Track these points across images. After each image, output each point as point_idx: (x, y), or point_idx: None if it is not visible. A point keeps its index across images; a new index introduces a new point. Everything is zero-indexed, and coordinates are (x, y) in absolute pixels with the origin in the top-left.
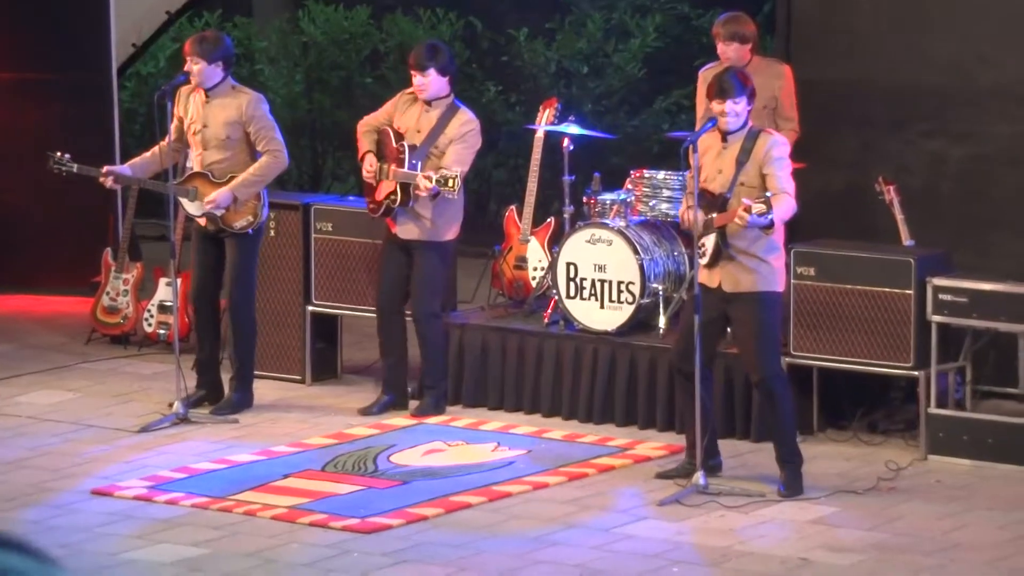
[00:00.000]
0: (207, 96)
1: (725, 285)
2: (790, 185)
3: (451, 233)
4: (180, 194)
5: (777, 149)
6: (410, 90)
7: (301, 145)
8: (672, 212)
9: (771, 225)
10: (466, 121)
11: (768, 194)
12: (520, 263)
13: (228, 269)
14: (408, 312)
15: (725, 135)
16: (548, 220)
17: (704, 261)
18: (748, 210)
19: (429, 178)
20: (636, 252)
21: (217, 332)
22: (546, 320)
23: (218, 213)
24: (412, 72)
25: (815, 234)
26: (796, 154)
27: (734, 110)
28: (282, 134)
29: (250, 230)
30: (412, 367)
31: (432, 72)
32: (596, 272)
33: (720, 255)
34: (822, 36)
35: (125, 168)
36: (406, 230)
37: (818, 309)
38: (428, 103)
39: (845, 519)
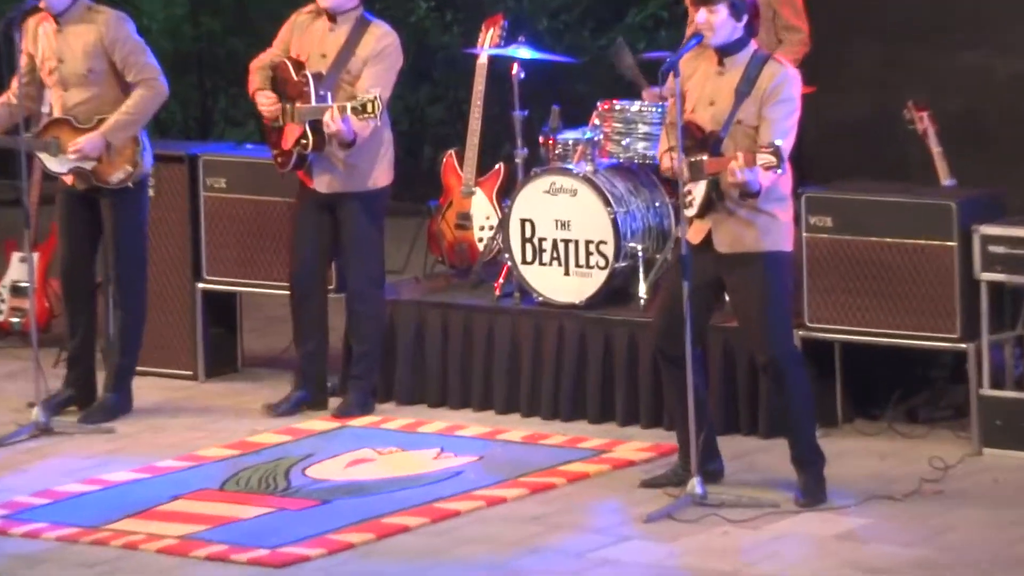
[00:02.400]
0: (58, 24)
1: (719, 244)
2: (789, 141)
3: (383, 178)
4: (38, 148)
5: (789, 87)
6: (307, 8)
7: (186, 82)
8: (651, 152)
9: (759, 192)
10: (381, 35)
11: (777, 142)
12: (463, 222)
13: (108, 237)
14: (331, 287)
15: (722, 57)
16: (496, 167)
17: (692, 212)
18: (751, 163)
19: (343, 108)
20: (607, 204)
21: (92, 317)
22: (497, 292)
23: (87, 166)
24: None
25: (831, 175)
26: (804, 75)
27: (709, 21)
28: (160, 65)
29: (130, 183)
30: (332, 357)
31: None
32: (558, 230)
33: (712, 206)
34: None
35: None
36: (325, 182)
37: (838, 269)
38: (333, 19)
39: (880, 532)
